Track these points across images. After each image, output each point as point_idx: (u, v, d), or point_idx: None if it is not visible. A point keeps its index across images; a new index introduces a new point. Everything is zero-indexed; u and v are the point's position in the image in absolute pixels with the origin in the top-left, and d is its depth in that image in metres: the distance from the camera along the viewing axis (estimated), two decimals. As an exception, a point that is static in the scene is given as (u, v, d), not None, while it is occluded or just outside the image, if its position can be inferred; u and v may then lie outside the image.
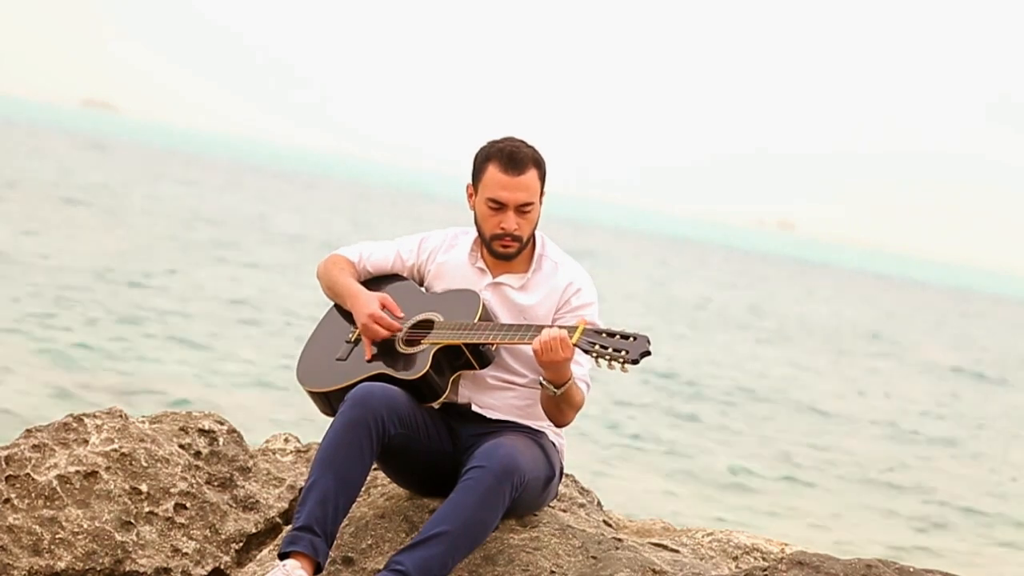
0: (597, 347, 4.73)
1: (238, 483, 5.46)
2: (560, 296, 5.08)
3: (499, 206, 5.01)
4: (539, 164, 5.05)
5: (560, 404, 4.92)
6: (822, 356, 33.78)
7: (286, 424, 13.17)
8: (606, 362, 4.72)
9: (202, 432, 5.53)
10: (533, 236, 5.13)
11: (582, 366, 4.98)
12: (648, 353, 4.70)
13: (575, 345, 4.77)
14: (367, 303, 5.10)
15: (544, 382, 4.88)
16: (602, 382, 19.28)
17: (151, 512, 5.26)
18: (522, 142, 5.07)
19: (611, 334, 4.76)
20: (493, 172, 5.01)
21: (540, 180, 5.05)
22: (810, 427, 20.99)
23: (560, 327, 4.82)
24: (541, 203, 5.08)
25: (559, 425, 5.03)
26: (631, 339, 4.72)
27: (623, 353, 4.70)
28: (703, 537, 5.47)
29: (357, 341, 5.13)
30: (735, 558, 5.36)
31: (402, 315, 5.10)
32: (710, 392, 22.70)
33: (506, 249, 5.05)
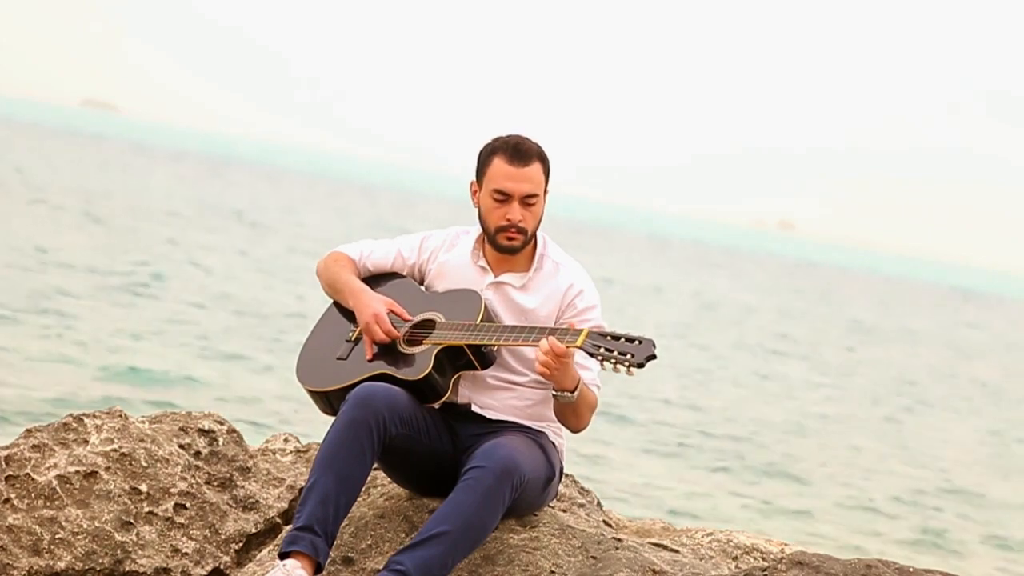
0: (602, 350, 4.72)
1: (238, 483, 5.46)
2: (562, 298, 5.07)
3: (505, 197, 5.00)
4: (543, 159, 5.06)
5: (578, 408, 4.91)
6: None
7: (286, 424, 13.16)
8: (611, 365, 4.71)
9: (202, 432, 5.53)
10: (535, 234, 5.12)
11: (590, 369, 4.96)
12: (654, 357, 4.69)
13: (580, 348, 4.76)
14: (371, 303, 5.09)
15: (556, 393, 4.87)
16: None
17: (151, 512, 5.25)
18: (526, 138, 5.08)
19: (616, 337, 4.74)
20: (499, 164, 5.01)
21: (544, 175, 5.06)
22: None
23: (562, 329, 4.82)
24: (545, 199, 5.08)
25: (577, 430, 5.01)
26: (636, 342, 4.71)
27: (629, 356, 4.69)
28: (703, 537, 5.46)
29: (358, 340, 5.11)
30: (735, 558, 5.36)
31: (409, 319, 5.09)
32: None
33: (511, 242, 5.03)
